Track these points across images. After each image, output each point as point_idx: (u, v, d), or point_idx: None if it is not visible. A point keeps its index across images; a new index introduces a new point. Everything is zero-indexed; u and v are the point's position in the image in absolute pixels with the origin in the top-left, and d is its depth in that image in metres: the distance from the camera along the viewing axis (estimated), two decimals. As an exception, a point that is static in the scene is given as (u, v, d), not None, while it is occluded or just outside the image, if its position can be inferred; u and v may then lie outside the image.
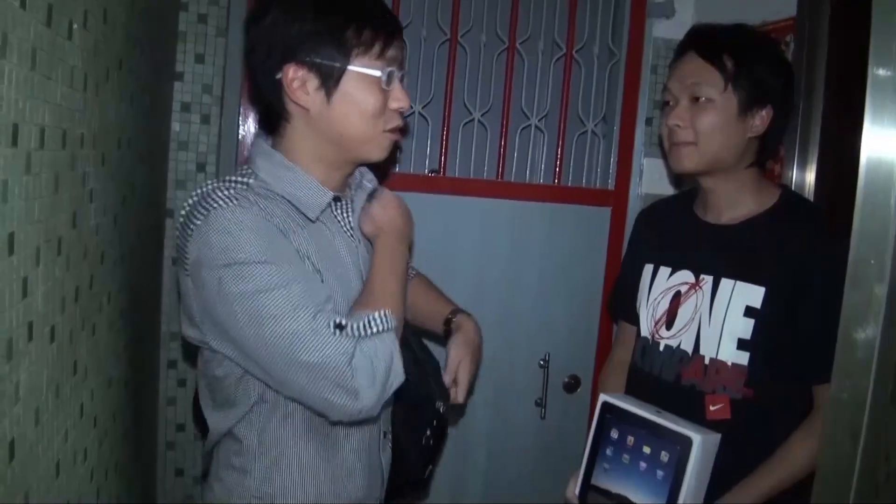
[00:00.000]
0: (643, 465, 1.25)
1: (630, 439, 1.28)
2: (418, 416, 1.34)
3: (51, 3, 0.79)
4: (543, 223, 2.17)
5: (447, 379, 1.35)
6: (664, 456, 1.23)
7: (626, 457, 1.28)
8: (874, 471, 0.76)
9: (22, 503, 0.78)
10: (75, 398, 1.01)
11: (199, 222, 1.07)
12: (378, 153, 1.21)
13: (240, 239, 1.05)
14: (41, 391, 0.85)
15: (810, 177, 1.82)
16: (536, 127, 2.17)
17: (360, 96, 1.14)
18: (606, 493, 1.30)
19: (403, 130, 1.28)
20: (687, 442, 1.20)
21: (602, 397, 1.35)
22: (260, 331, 1.05)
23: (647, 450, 1.26)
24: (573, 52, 2.16)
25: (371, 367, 1.08)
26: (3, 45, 0.65)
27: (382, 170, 1.63)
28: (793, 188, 1.80)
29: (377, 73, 1.13)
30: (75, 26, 0.89)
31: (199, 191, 1.12)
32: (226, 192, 1.09)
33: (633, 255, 1.62)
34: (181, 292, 1.16)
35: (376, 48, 1.13)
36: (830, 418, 0.78)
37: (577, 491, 1.34)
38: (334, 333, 1.06)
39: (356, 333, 1.09)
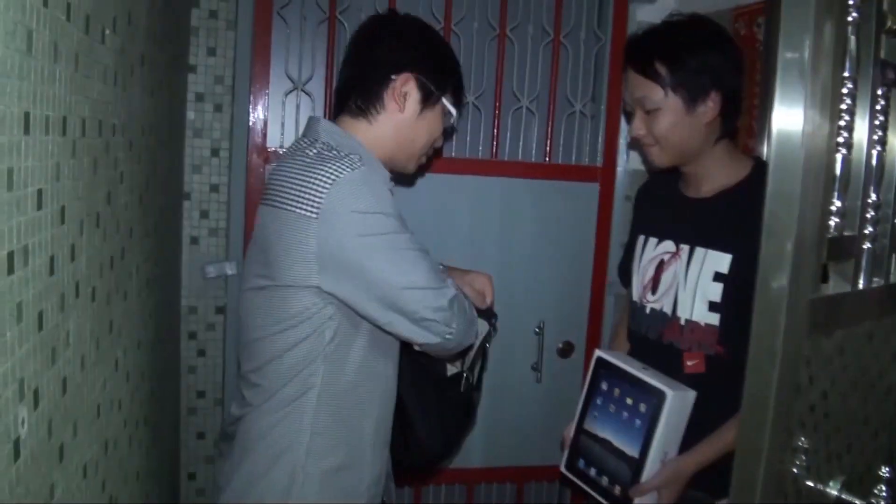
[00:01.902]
0: (625, 414, 1.39)
1: (617, 391, 1.42)
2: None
3: (88, 13, 0.93)
4: (536, 199, 2.27)
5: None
6: (642, 407, 1.36)
7: (612, 406, 1.42)
8: (795, 390, 0.90)
9: (72, 433, 0.94)
10: (111, 353, 1.15)
11: (342, 175, 1.21)
12: (413, 168, 1.47)
13: (382, 196, 1.25)
14: (86, 342, 0.99)
15: (781, 150, 1.93)
16: (527, 108, 2.26)
17: (436, 122, 1.43)
18: (594, 437, 1.44)
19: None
20: (662, 396, 1.33)
21: (596, 353, 1.50)
22: (392, 258, 1.24)
23: (629, 401, 1.39)
24: (561, 37, 2.25)
25: (465, 308, 1.32)
26: (55, 54, 0.79)
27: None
28: (765, 159, 1.91)
29: (454, 112, 1.44)
30: (107, 31, 1.03)
31: (329, 152, 1.26)
32: (360, 160, 1.26)
33: (632, 228, 1.74)
34: (287, 241, 1.24)
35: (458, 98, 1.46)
36: (753, 348, 0.89)
37: (570, 433, 1.50)
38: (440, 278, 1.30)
39: (454, 288, 1.33)
